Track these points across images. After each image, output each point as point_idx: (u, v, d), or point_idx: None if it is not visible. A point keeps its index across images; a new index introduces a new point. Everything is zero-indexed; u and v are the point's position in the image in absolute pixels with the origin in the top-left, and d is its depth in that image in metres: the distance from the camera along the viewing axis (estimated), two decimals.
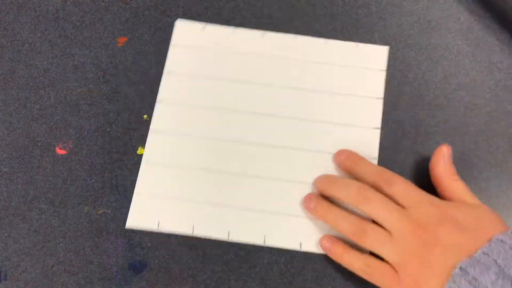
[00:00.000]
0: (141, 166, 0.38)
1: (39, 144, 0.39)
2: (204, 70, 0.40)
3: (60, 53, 0.42)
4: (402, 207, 0.32)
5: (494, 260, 0.28)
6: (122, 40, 0.42)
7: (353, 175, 0.36)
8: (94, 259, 0.36)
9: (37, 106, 0.40)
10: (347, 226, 0.33)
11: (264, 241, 0.36)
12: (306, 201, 0.36)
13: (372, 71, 0.40)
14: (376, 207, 0.32)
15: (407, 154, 0.38)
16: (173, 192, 0.37)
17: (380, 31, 0.42)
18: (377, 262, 0.32)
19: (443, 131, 0.39)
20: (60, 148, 0.39)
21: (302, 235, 0.36)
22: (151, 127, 0.39)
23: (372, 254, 0.33)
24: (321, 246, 0.35)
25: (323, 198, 0.36)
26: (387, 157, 0.38)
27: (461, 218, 0.31)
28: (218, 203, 0.37)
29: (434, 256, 0.30)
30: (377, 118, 0.39)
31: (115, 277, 0.35)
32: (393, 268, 0.32)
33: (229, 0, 0.43)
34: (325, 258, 0.35)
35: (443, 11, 0.42)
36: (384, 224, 0.32)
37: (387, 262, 0.32)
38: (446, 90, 0.40)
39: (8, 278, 0.35)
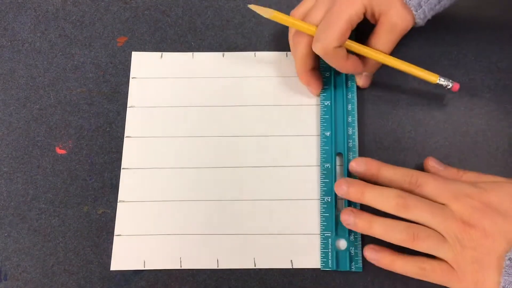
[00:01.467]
0: (117, 206, 0.37)
1: (39, 144, 0.39)
2: (168, 99, 0.40)
3: (60, 53, 0.42)
4: (440, 203, 0.32)
5: None
6: (122, 40, 0.42)
7: (376, 182, 0.35)
8: (94, 259, 0.36)
9: (37, 106, 0.40)
10: (397, 235, 0.32)
11: (255, 264, 0.35)
12: (344, 218, 0.34)
13: None
14: (419, 212, 0.32)
15: (406, 154, 0.38)
16: (154, 228, 0.36)
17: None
18: (432, 263, 0.32)
19: (443, 131, 0.39)
20: (60, 148, 0.39)
21: (292, 252, 0.36)
22: (122, 164, 0.38)
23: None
24: (367, 258, 0.34)
25: (356, 209, 0.35)
26: (388, 157, 0.38)
27: (498, 202, 0.32)
28: (202, 233, 0.36)
29: (487, 248, 0.31)
30: (317, 124, 0.39)
31: (115, 277, 0.35)
32: (449, 264, 0.32)
33: (229, 0, 0.43)
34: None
35: (442, 11, 0.42)
36: (431, 226, 0.32)
37: (440, 259, 0.32)
38: (446, 90, 0.40)
39: (8, 278, 0.35)
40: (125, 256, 0.36)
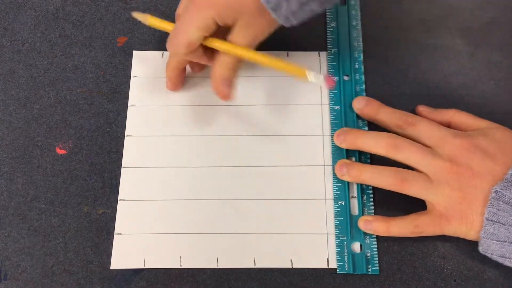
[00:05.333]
0: (118, 205, 0.37)
1: (39, 144, 0.39)
2: (169, 98, 0.40)
3: (60, 53, 0.42)
4: (429, 147, 0.33)
5: None
6: (122, 40, 0.42)
7: (374, 121, 0.37)
8: (94, 259, 0.36)
9: (37, 106, 0.40)
10: (386, 179, 0.34)
11: (255, 264, 0.35)
12: (338, 170, 0.36)
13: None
14: (408, 153, 0.33)
15: None
16: (155, 227, 0.36)
17: (380, 31, 0.42)
18: (422, 217, 0.33)
19: None
20: (60, 148, 0.39)
21: (292, 252, 0.35)
22: (122, 163, 0.38)
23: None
24: (363, 229, 0.35)
25: (349, 160, 0.37)
26: None
27: (486, 144, 0.33)
28: (203, 232, 0.36)
29: (474, 187, 0.32)
30: (324, 124, 0.39)
31: (115, 276, 0.35)
32: (438, 210, 0.33)
33: None
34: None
35: (443, 11, 0.42)
36: (420, 168, 0.33)
37: (430, 204, 0.33)
38: (446, 90, 0.40)
39: (8, 278, 0.35)
40: (125, 254, 0.36)
